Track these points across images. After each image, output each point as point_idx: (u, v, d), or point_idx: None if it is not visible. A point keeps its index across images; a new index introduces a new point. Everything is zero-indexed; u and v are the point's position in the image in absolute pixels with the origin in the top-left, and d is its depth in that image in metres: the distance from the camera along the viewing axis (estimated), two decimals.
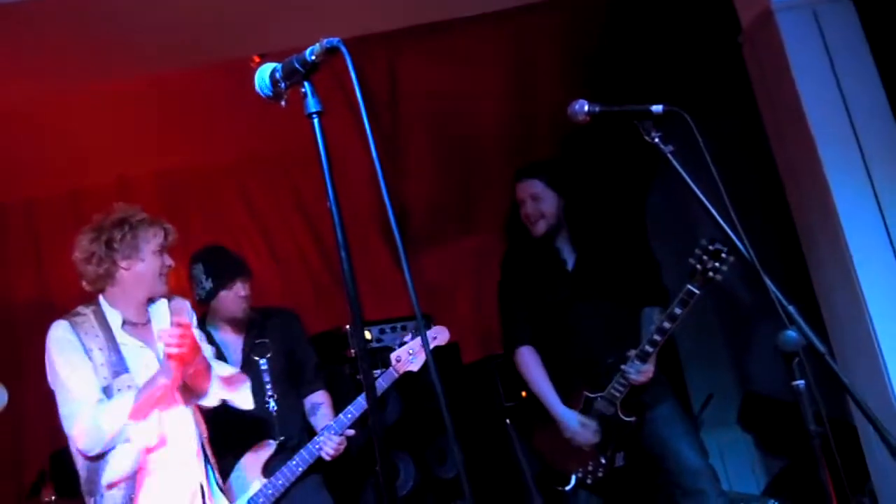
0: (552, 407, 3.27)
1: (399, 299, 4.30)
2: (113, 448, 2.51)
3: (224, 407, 2.81)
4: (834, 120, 3.46)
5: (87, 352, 2.54)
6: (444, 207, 5.40)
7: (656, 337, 3.05)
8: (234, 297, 3.30)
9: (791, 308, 1.95)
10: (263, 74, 1.71)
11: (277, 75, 1.70)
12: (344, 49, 1.62)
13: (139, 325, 2.68)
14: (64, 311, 2.67)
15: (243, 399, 2.84)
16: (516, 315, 3.44)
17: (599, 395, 3.19)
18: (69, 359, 2.54)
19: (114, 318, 2.63)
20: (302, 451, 3.18)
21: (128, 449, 2.51)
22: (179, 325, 2.45)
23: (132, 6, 3.33)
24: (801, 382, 1.90)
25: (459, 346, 4.58)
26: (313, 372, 3.49)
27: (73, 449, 2.58)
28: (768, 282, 1.95)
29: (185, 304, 2.79)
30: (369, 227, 5.14)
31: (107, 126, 4.54)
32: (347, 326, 4.10)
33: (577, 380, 3.26)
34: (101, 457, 2.52)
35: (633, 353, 3.10)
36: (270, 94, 1.72)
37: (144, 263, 2.63)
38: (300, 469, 3.16)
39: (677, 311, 2.96)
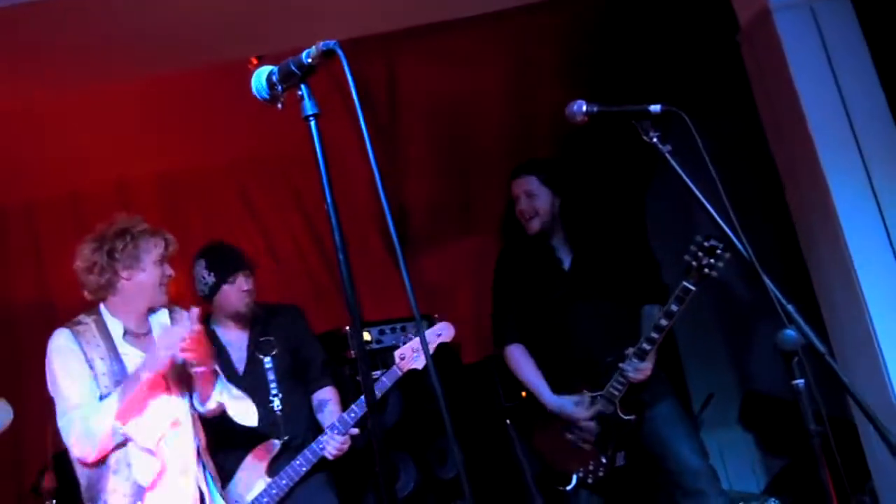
0: (543, 396, 3.27)
1: (399, 300, 4.30)
2: (109, 450, 2.52)
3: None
4: (833, 119, 3.46)
5: (89, 361, 2.56)
6: (443, 207, 5.38)
7: (653, 334, 3.05)
8: (236, 291, 3.29)
9: (790, 307, 1.95)
10: (260, 77, 1.71)
11: (274, 78, 1.69)
12: (340, 51, 1.61)
13: (140, 336, 2.69)
14: (64, 312, 2.68)
15: (243, 411, 2.85)
16: (506, 314, 3.45)
17: (598, 394, 3.19)
18: (69, 369, 2.56)
19: (115, 327, 2.65)
20: (305, 450, 3.17)
21: (145, 458, 2.54)
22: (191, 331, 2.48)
23: (132, 7, 3.33)
24: (800, 381, 1.90)
25: (460, 346, 4.57)
26: (320, 368, 3.46)
27: (72, 458, 2.60)
28: (767, 281, 1.95)
29: (185, 315, 2.80)
30: (369, 227, 5.13)
31: (107, 127, 4.54)
32: (347, 327, 4.09)
33: (577, 379, 3.26)
34: (100, 463, 2.53)
35: (631, 351, 3.10)
36: (267, 97, 1.72)
37: (145, 273, 2.65)
38: (304, 469, 3.15)
39: (674, 307, 2.96)
